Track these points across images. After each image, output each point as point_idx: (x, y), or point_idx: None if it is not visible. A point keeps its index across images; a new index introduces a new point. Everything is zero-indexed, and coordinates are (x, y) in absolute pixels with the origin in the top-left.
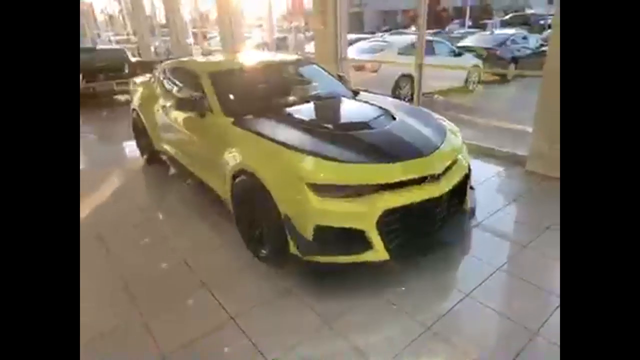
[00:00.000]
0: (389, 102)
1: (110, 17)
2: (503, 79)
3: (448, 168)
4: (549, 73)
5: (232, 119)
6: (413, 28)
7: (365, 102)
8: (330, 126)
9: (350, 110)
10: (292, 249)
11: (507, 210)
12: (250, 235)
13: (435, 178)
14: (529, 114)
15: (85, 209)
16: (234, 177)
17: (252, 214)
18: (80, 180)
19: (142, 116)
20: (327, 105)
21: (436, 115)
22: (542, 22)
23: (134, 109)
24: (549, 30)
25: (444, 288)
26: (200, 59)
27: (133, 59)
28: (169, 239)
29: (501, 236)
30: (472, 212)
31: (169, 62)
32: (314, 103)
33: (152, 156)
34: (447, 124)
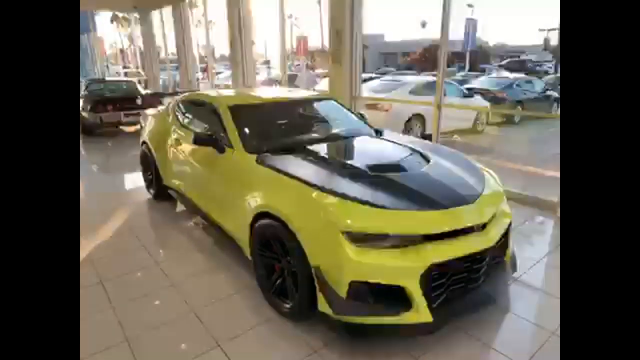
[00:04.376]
0: (417, 142)
1: (121, 50)
2: (509, 121)
3: (492, 216)
4: None
5: (254, 156)
6: (411, 69)
7: (392, 141)
8: (361, 167)
9: (379, 150)
10: (322, 306)
11: (547, 261)
12: (270, 286)
13: (482, 227)
14: (548, 157)
15: (87, 248)
16: (255, 219)
17: (274, 262)
18: (83, 214)
19: (152, 149)
20: (354, 144)
21: (468, 158)
22: (537, 67)
23: (143, 142)
24: (550, 75)
25: (488, 354)
26: (215, 92)
27: (143, 92)
28: (177, 286)
29: (545, 292)
30: (514, 264)
31: (185, 94)
32: (340, 141)
33: (160, 191)
34: (483, 168)
